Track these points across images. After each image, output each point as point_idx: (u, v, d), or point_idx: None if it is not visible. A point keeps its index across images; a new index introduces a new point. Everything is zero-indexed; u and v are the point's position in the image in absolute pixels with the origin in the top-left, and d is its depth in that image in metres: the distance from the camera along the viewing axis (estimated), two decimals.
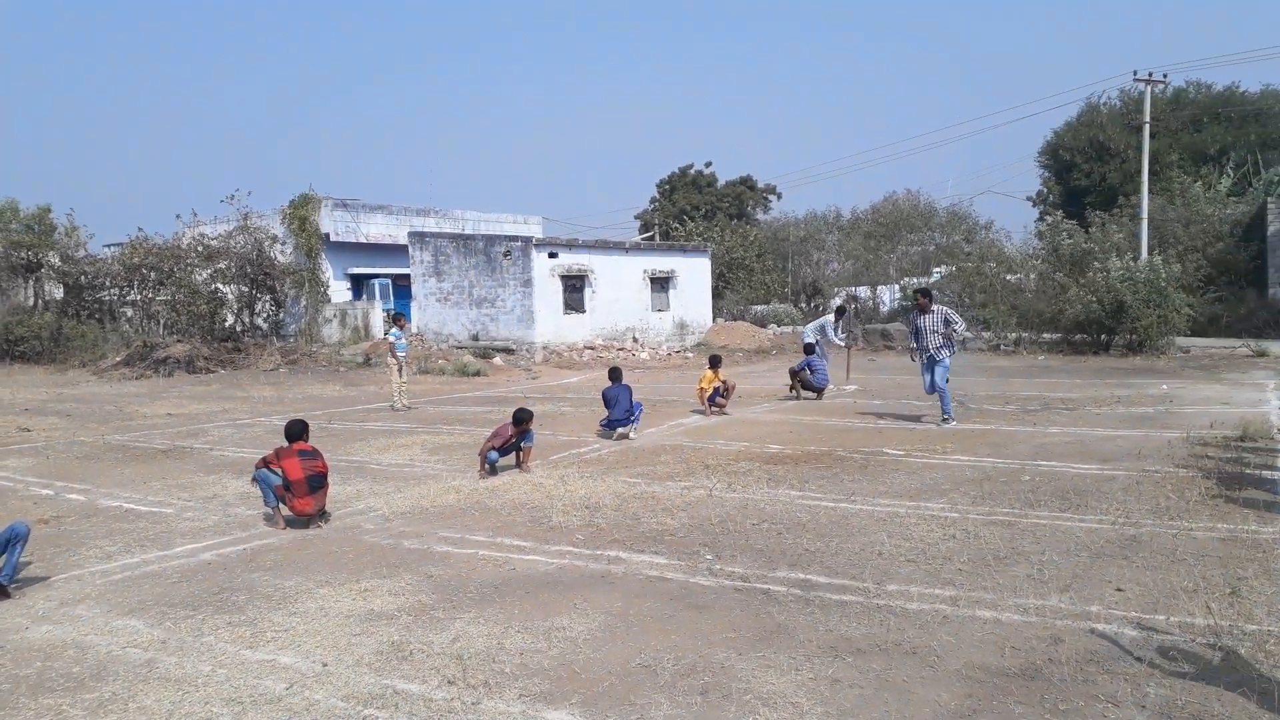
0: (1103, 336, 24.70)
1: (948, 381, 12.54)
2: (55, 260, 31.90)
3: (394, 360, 16.56)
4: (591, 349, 28.21)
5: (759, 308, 39.61)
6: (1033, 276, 28.98)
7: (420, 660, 4.77)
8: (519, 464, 10.09)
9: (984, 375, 19.56)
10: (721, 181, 58.18)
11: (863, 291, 42.57)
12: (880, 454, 10.29)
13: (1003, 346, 26.47)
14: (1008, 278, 30.49)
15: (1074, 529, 6.89)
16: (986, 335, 27.57)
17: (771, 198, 59.05)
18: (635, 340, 30.06)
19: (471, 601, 5.71)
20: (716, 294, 35.93)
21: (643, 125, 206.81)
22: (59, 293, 32.26)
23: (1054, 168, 49.98)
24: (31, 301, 31.97)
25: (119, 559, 6.97)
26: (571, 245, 29.79)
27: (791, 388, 16.52)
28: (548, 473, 9.80)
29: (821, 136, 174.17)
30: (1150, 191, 31.87)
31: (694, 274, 32.88)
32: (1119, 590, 5.49)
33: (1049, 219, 29.43)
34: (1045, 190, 51.40)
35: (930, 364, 12.49)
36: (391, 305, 32.27)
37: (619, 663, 4.67)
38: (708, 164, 59.00)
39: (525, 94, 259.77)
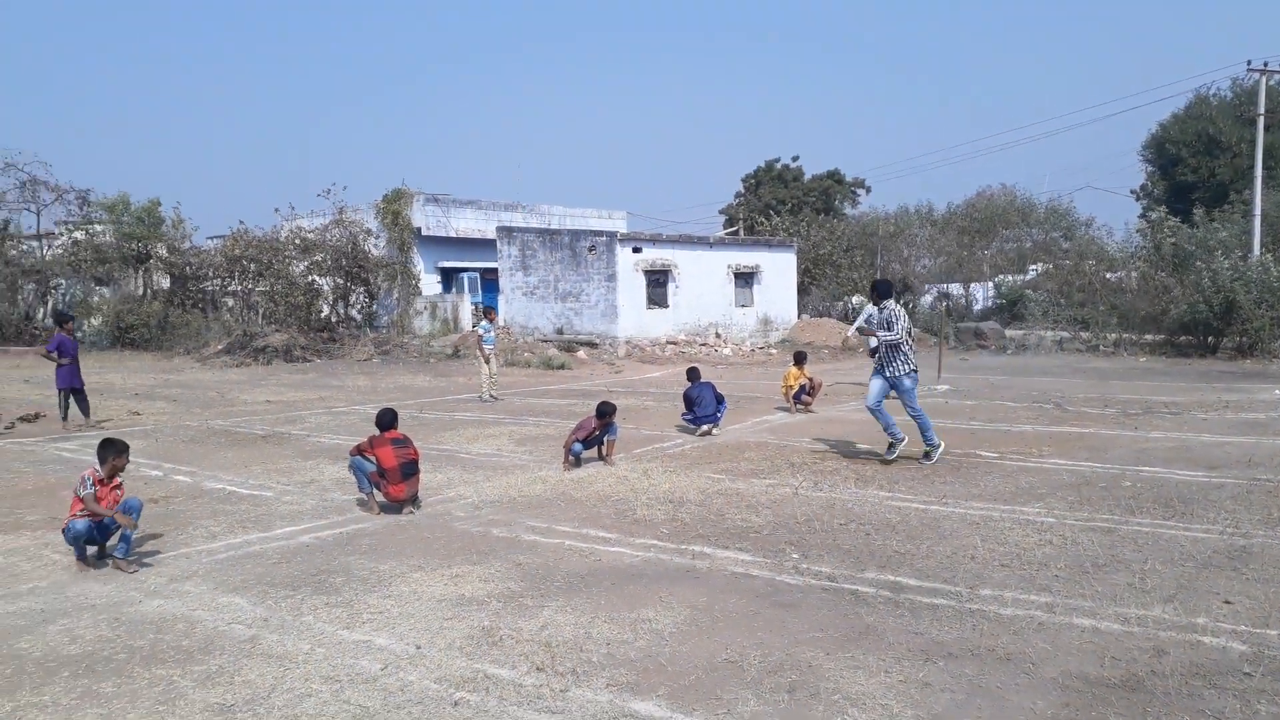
0: (1209, 338, 23.67)
1: (918, 406, 9.65)
2: (163, 251, 33.48)
3: (483, 353, 16.89)
4: (674, 344, 28.22)
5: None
6: (1134, 275, 27.92)
7: (510, 646, 4.86)
8: (602, 457, 10.17)
9: (1082, 377, 18.93)
10: (808, 175, 57.37)
11: (955, 289, 41.64)
12: (973, 455, 10.05)
13: (1101, 347, 25.56)
14: (1108, 276, 29.44)
15: (1178, 537, 6.62)
16: (1085, 335, 26.67)
17: (860, 191, 58.00)
18: (718, 336, 29.94)
19: (559, 590, 5.78)
20: (802, 290, 35.51)
21: (728, 119, 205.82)
22: (166, 283, 33.81)
23: (1159, 162, 48.11)
24: (141, 291, 33.56)
25: (223, 539, 7.27)
26: (655, 240, 29.84)
27: None
28: (631, 466, 9.86)
29: (912, 129, 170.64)
30: (1265, 187, 30.37)
31: (779, 269, 32.58)
32: (1227, 603, 5.25)
33: (1152, 215, 28.28)
34: (1149, 185, 49.48)
35: (877, 372, 9.81)
36: (480, 299, 32.83)
37: (705, 657, 4.68)
38: (794, 158, 58.23)
39: (612, 89, 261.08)
